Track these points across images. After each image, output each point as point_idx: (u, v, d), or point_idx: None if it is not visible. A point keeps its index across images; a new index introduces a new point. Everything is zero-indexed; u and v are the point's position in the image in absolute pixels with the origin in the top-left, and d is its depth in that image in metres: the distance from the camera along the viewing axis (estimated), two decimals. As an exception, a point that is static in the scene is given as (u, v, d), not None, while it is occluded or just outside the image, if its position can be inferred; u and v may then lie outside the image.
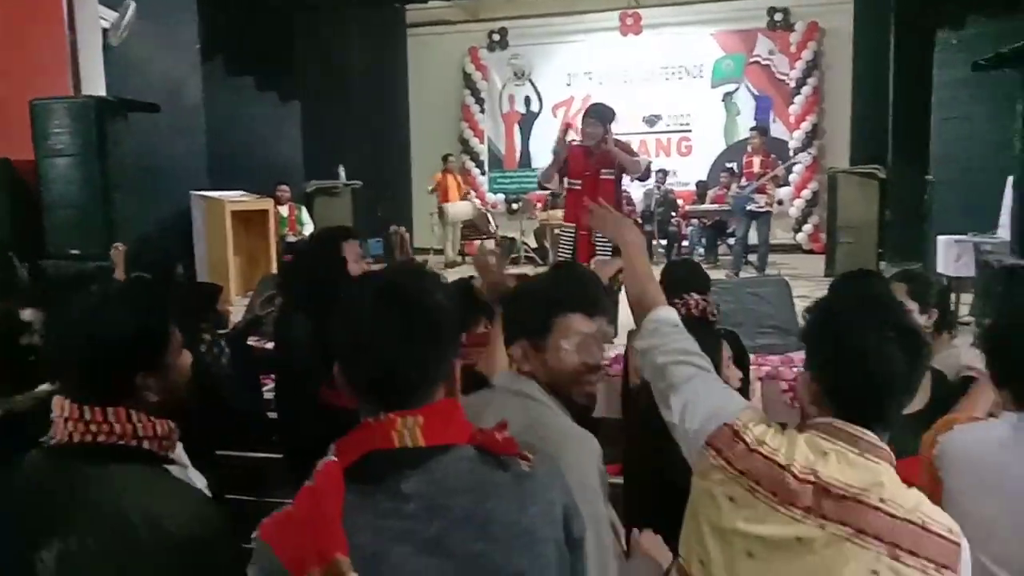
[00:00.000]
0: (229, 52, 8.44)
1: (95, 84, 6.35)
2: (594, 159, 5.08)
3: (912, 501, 1.30)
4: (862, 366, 1.33)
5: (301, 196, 9.33)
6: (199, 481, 1.46)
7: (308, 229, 8.83)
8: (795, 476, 1.31)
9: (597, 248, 4.90)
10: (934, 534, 1.27)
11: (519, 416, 1.46)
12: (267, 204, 8.18)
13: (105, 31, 6.52)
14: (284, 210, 8.75)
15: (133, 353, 1.33)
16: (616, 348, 4.48)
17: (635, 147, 12.85)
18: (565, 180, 5.26)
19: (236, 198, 7.77)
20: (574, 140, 5.27)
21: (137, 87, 6.71)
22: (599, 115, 5.08)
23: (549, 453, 1.20)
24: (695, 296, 2.38)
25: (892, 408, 1.36)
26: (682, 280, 2.58)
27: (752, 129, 9.48)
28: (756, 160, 8.94)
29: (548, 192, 5.47)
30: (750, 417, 1.42)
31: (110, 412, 1.28)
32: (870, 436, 1.34)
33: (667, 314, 1.67)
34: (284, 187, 8.77)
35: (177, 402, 1.41)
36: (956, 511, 1.41)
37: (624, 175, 5.21)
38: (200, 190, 7.59)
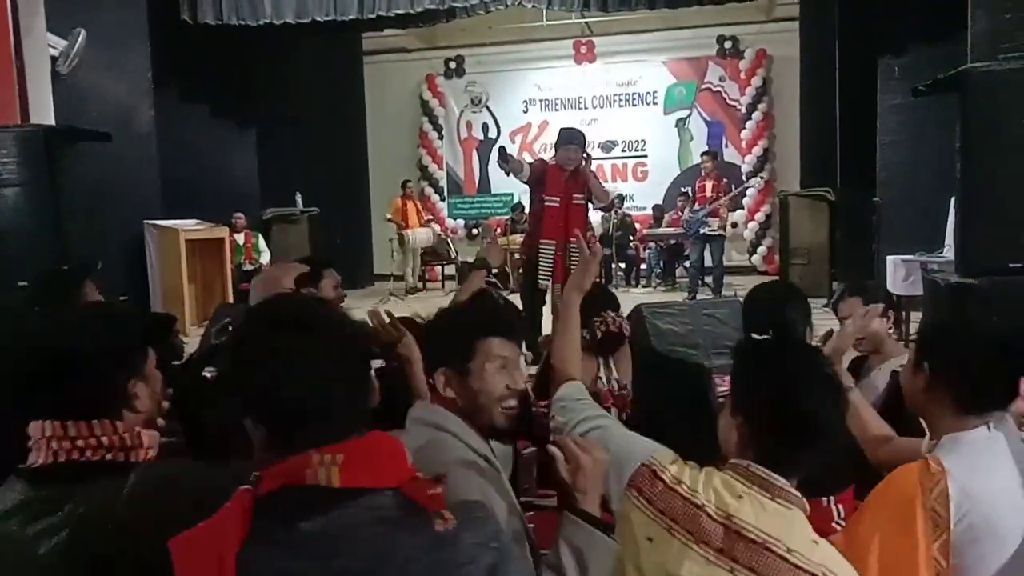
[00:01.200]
0: (182, 79, 8.36)
1: (44, 113, 6.23)
2: (569, 182, 5.29)
3: (818, 555, 1.31)
4: (805, 427, 1.35)
5: (258, 224, 9.24)
6: None
7: (265, 257, 8.73)
8: (710, 516, 1.33)
9: (572, 260, 5.02)
10: None
11: (415, 445, 1.48)
12: (222, 232, 8.08)
13: (54, 59, 6.42)
14: (240, 238, 8.66)
15: (122, 356, 1.31)
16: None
17: (592, 172, 12.98)
18: (545, 197, 5.39)
19: (190, 227, 7.67)
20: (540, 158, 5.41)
21: (88, 115, 6.61)
22: (579, 141, 5.33)
23: (493, 521, 1.10)
24: (611, 313, 2.44)
25: (813, 460, 1.39)
26: (595, 299, 2.65)
27: (703, 154, 9.69)
28: (708, 184, 9.12)
29: (508, 218, 5.62)
30: (664, 456, 1.44)
31: (96, 425, 1.25)
32: (783, 483, 1.35)
33: (569, 391, 1.74)
34: (240, 215, 8.69)
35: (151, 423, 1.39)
36: (976, 547, 1.48)
37: (590, 202, 5.43)
38: (153, 219, 7.47)
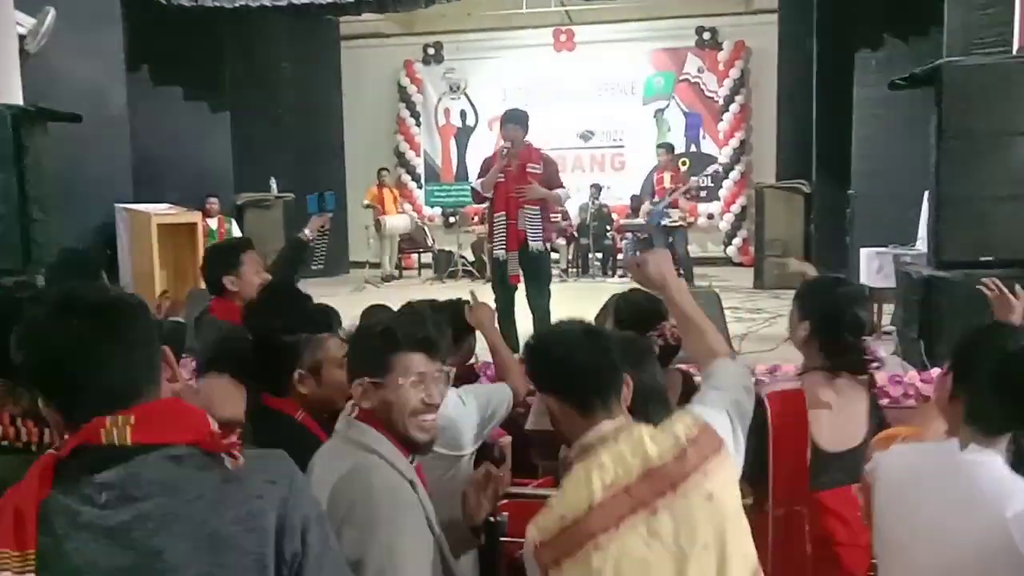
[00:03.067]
0: (155, 61, 8.21)
1: (11, 92, 6.08)
2: (515, 156, 5.46)
3: (671, 437, 1.50)
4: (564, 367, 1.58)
5: (231, 209, 9.13)
6: None
7: (239, 243, 8.63)
8: (602, 503, 1.45)
9: (529, 233, 5.36)
10: (697, 437, 1.51)
11: (343, 465, 1.58)
12: (195, 217, 7.96)
13: (22, 38, 6.26)
14: (213, 223, 8.55)
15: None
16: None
17: (570, 162, 13.16)
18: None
19: (163, 211, 7.55)
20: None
21: (57, 96, 6.45)
22: (518, 121, 5.50)
23: (286, 462, 1.16)
24: (668, 323, 2.43)
25: (606, 393, 1.57)
26: (652, 311, 2.59)
27: (659, 146, 9.71)
28: (666, 176, 9.17)
29: (484, 204, 5.70)
30: (532, 523, 1.55)
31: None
32: (608, 425, 1.53)
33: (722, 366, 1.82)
34: (213, 200, 8.57)
35: None
36: (878, 527, 1.53)
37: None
38: (125, 202, 7.35)
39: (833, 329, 2.12)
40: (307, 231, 3.83)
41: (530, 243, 5.35)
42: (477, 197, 5.73)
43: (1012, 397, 1.47)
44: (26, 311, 1.14)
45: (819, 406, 2.08)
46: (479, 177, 5.68)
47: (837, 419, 2.10)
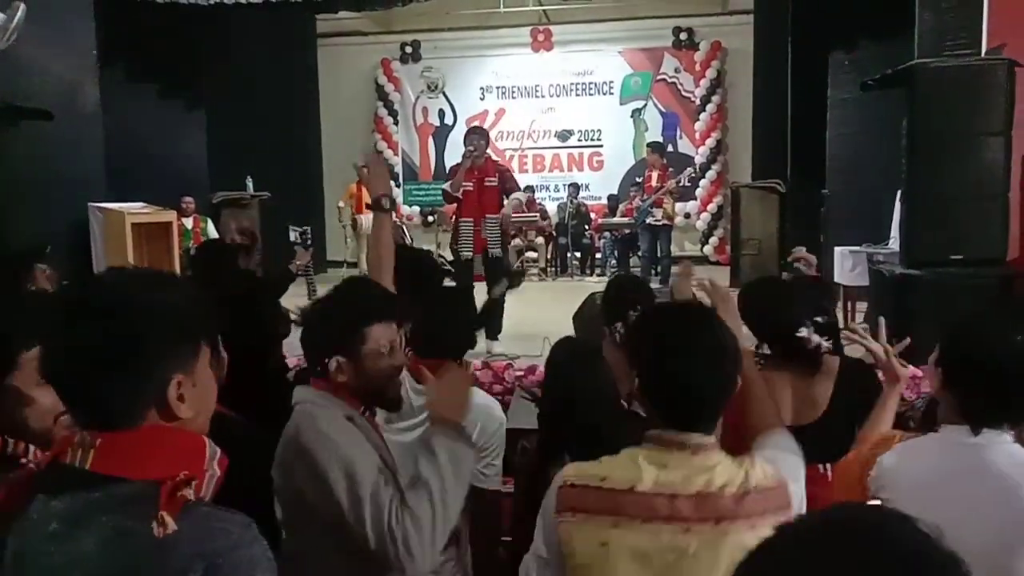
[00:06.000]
0: (130, 58, 8.12)
1: (-19, 89, 6.00)
2: (479, 168, 6.16)
3: (742, 476, 1.42)
4: (678, 382, 1.45)
5: (207, 208, 9.04)
6: None
7: (215, 242, 8.56)
8: (644, 493, 1.40)
9: (489, 241, 6.10)
10: (768, 489, 1.42)
11: (290, 425, 1.70)
12: (170, 216, 7.87)
13: (-8, 33, 6.17)
14: (189, 222, 8.46)
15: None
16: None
17: (548, 161, 13.24)
18: (462, 183, 6.24)
19: (137, 210, 7.45)
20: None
21: (29, 93, 6.37)
22: (481, 134, 6.34)
23: (226, 536, 1.00)
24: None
25: (710, 412, 1.48)
26: (625, 293, 2.67)
27: (648, 145, 9.79)
28: (654, 175, 9.23)
29: (454, 204, 6.34)
30: (575, 468, 1.50)
31: None
32: (697, 439, 1.44)
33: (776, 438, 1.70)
34: (189, 198, 8.48)
35: None
36: None
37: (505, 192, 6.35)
38: (98, 201, 7.25)
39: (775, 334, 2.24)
40: (295, 265, 3.96)
41: (490, 250, 6.14)
42: (448, 197, 6.33)
43: (1009, 389, 1.48)
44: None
45: (776, 384, 2.13)
46: (447, 180, 6.39)
47: (793, 400, 2.17)
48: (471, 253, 6.21)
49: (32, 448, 1.33)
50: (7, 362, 1.33)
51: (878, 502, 1.53)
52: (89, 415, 1.03)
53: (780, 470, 1.48)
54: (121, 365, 1.01)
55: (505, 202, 6.34)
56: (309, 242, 8.53)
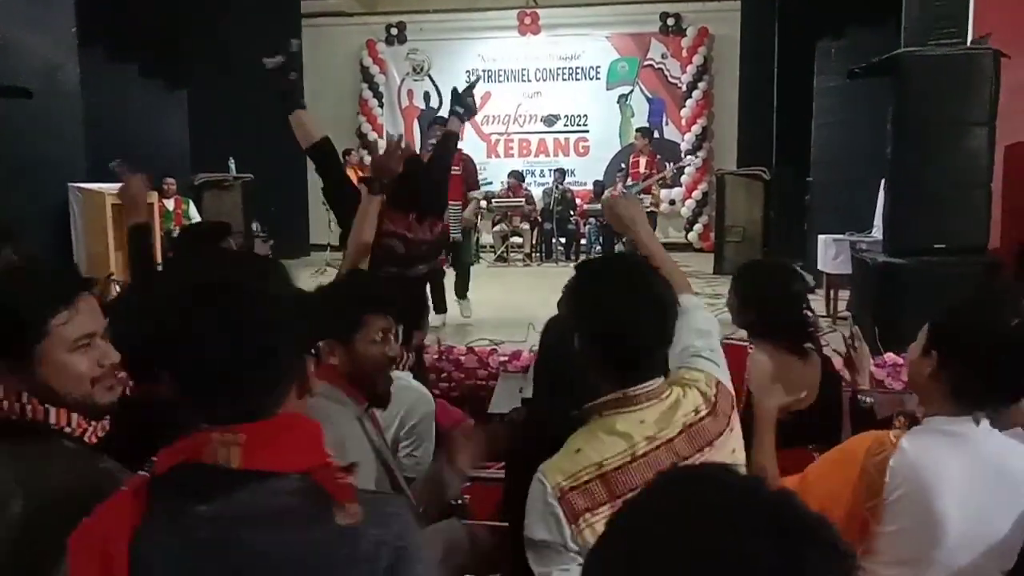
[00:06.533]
0: (110, 37, 7.98)
1: (-42, 66, 5.89)
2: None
3: (699, 395, 1.50)
4: (639, 332, 1.48)
5: (189, 189, 8.95)
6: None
7: (197, 224, 8.49)
8: (645, 454, 1.42)
9: (451, 228, 6.25)
10: (719, 392, 1.52)
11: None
12: (151, 197, 7.79)
13: (-31, 9, 6.05)
14: (170, 203, 8.39)
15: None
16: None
17: (534, 146, 13.24)
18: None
19: (117, 190, 7.37)
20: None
21: (6, 72, 6.24)
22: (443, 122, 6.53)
23: (399, 515, 1.04)
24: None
25: (661, 354, 1.54)
26: None
27: (637, 130, 9.75)
28: (642, 160, 9.21)
29: None
30: (558, 466, 1.46)
31: None
32: (645, 386, 1.47)
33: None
34: (170, 180, 8.40)
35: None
36: (901, 529, 1.49)
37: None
38: (78, 182, 7.16)
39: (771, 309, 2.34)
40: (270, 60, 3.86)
41: (451, 235, 6.32)
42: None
43: (1007, 371, 1.49)
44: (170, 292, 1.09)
45: (762, 367, 2.19)
46: None
47: (782, 383, 2.19)
48: None
49: (76, 416, 1.28)
50: (37, 330, 1.26)
51: (897, 494, 1.50)
52: (231, 414, 0.98)
53: (705, 371, 1.57)
54: (267, 367, 1.00)
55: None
56: (266, 236, 8.67)
